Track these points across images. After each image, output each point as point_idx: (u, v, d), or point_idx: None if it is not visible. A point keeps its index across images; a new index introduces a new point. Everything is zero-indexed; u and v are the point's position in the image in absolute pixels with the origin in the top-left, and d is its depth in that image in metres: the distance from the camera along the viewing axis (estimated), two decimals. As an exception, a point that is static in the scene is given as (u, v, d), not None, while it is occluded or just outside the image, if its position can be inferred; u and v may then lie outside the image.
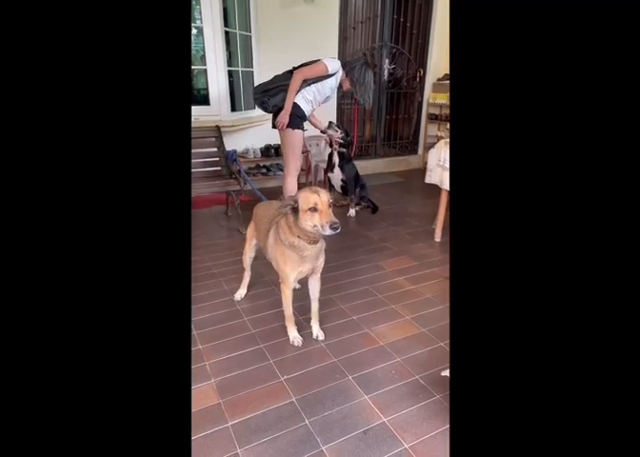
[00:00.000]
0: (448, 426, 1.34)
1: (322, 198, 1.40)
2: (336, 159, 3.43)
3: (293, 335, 1.81)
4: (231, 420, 1.38)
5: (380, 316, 2.02)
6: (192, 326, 1.91)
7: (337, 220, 1.38)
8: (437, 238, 2.99)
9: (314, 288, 1.82)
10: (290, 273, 1.64)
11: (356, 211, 3.60)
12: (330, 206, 1.42)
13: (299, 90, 2.71)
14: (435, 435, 1.33)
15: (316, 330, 1.85)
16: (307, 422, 1.38)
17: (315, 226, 1.41)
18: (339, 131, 3.33)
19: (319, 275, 1.78)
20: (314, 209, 1.39)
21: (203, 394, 1.50)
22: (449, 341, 1.80)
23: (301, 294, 2.06)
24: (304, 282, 1.93)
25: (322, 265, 1.73)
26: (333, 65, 2.71)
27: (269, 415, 1.41)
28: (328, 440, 1.31)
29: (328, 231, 1.38)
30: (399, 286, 2.33)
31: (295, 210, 1.44)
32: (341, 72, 2.83)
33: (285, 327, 1.84)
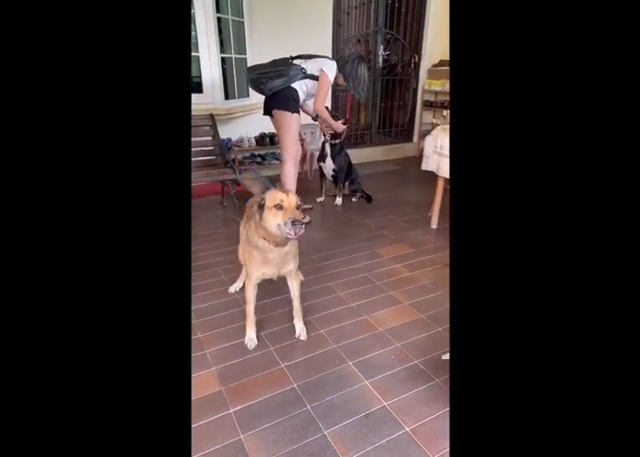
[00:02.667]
0: (447, 409, 1.36)
1: (290, 198, 1.33)
2: (328, 150, 3.41)
3: (249, 337, 1.70)
4: (233, 407, 1.39)
5: (378, 303, 2.03)
6: (192, 315, 1.91)
7: (303, 218, 1.31)
8: (434, 225, 3.00)
9: (293, 288, 1.73)
10: (252, 272, 1.60)
11: (354, 201, 3.61)
12: (297, 207, 1.34)
13: (299, 80, 2.78)
14: (435, 418, 1.35)
15: (299, 329, 1.76)
16: (308, 407, 1.39)
17: (279, 225, 1.33)
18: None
19: (293, 278, 1.70)
20: (280, 207, 1.32)
21: (204, 382, 1.50)
22: (447, 326, 1.82)
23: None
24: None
25: (291, 270, 1.64)
26: (333, 72, 2.79)
27: (270, 401, 1.42)
28: (330, 424, 1.32)
29: (289, 228, 1.30)
30: (397, 272, 2.34)
31: (262, 207, 1.37)
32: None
33: (289, 318, 1.83)
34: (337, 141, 3.38)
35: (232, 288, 2.14)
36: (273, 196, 1.34)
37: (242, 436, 1.28)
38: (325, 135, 3.40)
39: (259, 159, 4.11)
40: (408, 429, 1.31)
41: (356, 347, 1.70)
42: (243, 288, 2.05)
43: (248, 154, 4.13)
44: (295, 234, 1.31)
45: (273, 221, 1.34)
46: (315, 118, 3.32)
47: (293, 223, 1.29)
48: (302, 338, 1.73)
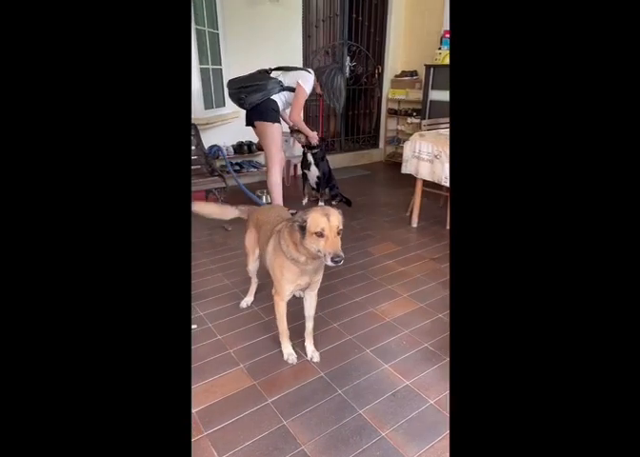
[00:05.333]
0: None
1: (331, 223, 1.34)
2: (311, 159, 3.55)
3: (288, 352, 1.70)
4: (270, 397, 1.49)
5: (380, 296, 2.19)
6: (206, 319, 1.96)
7: (342, 253, 1.32)
8: (414, 224, 3.22)
9: (309, 305, 1.71)
10: (287, 286, 1.56)
11: (332, 205, 3.76)
12: (338, 233, 1.35)
13: (278, 92, 2.91)
14: (454, 390, 1.52)
15: (310, 351, 1.72)
16: (340, 391, 1.52)
17: (319, 251, 1.36)
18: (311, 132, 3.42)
19: (315, 291, 1.69)
20: (321, 235, 1.33)
21: (236, 378, 1.58)
22: (446, 312, 2.01)
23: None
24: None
25: (319, 280, 1.65)
26: (309, 85, 2.91)
27: (303, 390, 1.53)
28: (362, 404, 1.45)
29: (329, 262, 1.33)
30: (390, 268, 2.51)
31: (303, 228, 1.37)
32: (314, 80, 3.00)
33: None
34: (315, 151, 3.52)
35: (244, 303, 2.10)
36: (316, 222, 1.34)
37: (285, 422, 1.38)
38: (302, 145, 3.53)
39: (237, 167, 4.17)
40: (432, 402, 1.47)
41: (369, 336, 1.85)
42: (255, 302, 2.11)
43: (225, 163, 4.18)
44: (333, 264, 1.34)
45: (314, 246, 1.36)
46: (292, 130, 3.43)
47: (333, 259, 1.31)
48: (315, 360, 1.70)
